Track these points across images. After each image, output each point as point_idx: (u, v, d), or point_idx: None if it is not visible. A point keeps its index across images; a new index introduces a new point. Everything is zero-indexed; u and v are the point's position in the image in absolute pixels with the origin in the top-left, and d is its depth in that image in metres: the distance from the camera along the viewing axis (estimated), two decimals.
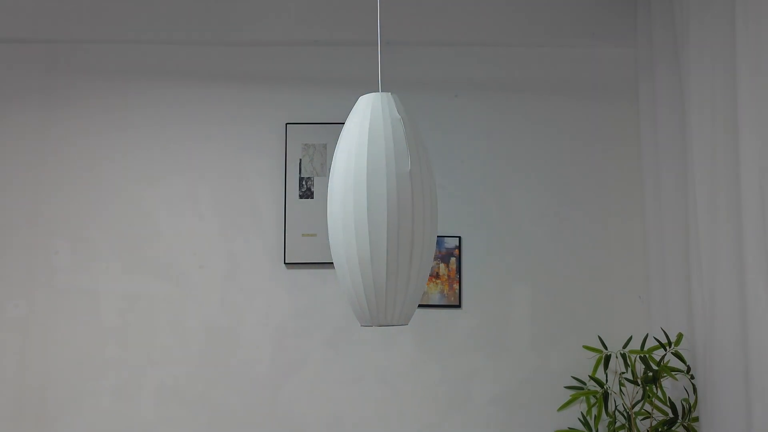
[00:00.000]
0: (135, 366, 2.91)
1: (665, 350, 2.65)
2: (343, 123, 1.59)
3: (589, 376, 2.79)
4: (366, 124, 1.47)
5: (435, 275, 2.96)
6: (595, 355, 2.79)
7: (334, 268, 1.54)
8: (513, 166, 3.04)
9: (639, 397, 2.70)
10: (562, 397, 2.88)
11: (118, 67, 3.05)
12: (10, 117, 3.01)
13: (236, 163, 3.01)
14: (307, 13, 3.07)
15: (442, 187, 2.98)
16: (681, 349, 2.66)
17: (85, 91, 3.03)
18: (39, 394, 2.88)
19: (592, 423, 2.74)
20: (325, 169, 2.97)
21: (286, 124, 3.01)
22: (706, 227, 2.50)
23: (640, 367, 2.71)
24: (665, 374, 2.61)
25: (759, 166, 2.19)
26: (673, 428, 2.62)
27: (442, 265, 2.96)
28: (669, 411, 2.66)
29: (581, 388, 2.83)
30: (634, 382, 2.68)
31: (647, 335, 2.75)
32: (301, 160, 2.99)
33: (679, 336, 2.66)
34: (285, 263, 2.95)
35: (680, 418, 2.63)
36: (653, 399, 2.62)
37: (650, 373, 2.62)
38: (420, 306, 2.94)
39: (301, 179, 2.98)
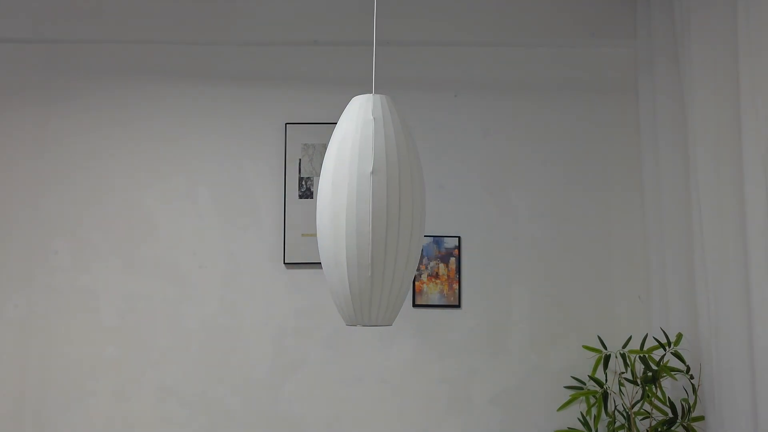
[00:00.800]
0: (134, 366, 2.91)
1: (665, 350, 2.65)
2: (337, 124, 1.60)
3: (589, 376, 2.79)
4: (351, 127, 1.48)
5: (434, 275, 2.96)
6: (595, 355, 2.79)
7: None
8: (512, 166, 3.04)
9: (638, 397, 2.70)
10: (561, 397, 2.88)
11: (118, 67, 3.05)
12: (10, 116, 3.01)
13: (236, 163, 3.02)
14: (307, 13, 3.07)
15: (442, 187, 2.99)
16: (680, 349, 2.66)
17: (85, 91, 3.04)
18: (39, 393, 2.89)
19: (591, 423, 2.74)
20: None
21: (286, 124, 3.01)
22: (708, 227, 2.49)
23: (639, 367, 2.71)
24: (665, 374, 2.61)
25: (762, 166, 2.19)
26: (672, 428, 2.62)
27: (441, 265, 2.96)
28: (668, 411, 2.66)
29: (581, 388, 2.83)
30: (633, 382, 2.68)
31: (647, 335, 2.75)
32: (300, 160, 2.99)
33: (679, 336, 2.66)
34: (284, 263, 2.95)
35: (680, 418, 2.63)
36: (653, 399, 2.62)
37: (650, 373, 2.62)
38: (420, 306, 2.95)
39: (300, 179, 2.98)
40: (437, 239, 2.96)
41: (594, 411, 2.73)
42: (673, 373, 2.61)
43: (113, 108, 3.03)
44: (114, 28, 3.05)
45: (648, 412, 2.69)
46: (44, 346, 2.91)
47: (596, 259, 2.99)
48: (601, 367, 2.75)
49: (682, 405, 2.65)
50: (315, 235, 2.91)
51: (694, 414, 2.63)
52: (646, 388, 2.62)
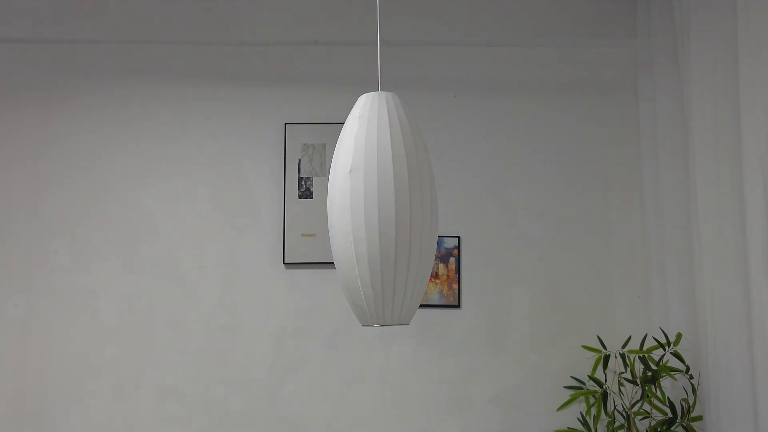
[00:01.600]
0: (134, 366, 2.91)
1: (664, 350, 2.65)
2: (343, 123, 1.59)
3: (589, 376, 2.79)
4: (365, 124, 1.47)
5: (434, 275, 2.96)
6: (595, 355, 2.79)
7: (333, 268, 1.54)
8: (512, 166, 3.04)
9: (638, 396, 2.70)
10: (561, 397, 2.88)
11: (118, 67, 3.05)
12: (10, 116, 3.01)
13: (236, 163, 3.02)
14: (307, 13, 3.07)
15: (442, 187, 2.99)
16: (680, 349, 2.66)
17: (85, 91, 3.04)
18: (38, 393, 2.89)
19: (591, 423, 2.74)
20: (324, 169, 2.98)
21: (286, 124, 3.01)
22: (707, 227, 2.50)
23: (639, 367, 2.71)
24: (664, 374, 2.61)
25: (761, 165, 2.19)
26: (672, 428, 2.62)
27: (441, 265, 2.96)
28: (668, 411, 2.66)
29: (580, 388, 2.83)
30: (633, 382, 2.68)
31: (646, 335, 2.75)
32: (300, 160, 2.99)
33: (678, 336, 2.67)
34: (284, 263, 2.95)
35: (679, 417, 2.63)
36: (652, 399, 2.62)
37: (649, 373, 2.62)
38: (419, 306, 2.94)
39: (300, 179, 2.98)
40: (437, 239, 2.96)
41: (593, 411, 2.73)
42: (672, 373, 2.61)
43: (113, 108, 3.03)
44: (114, 28, 3.05)
45: (647, 412, 2.69)
46: (44, 345, 2.91)
47: (596, 259, 3.00)
48: (600, 367, 2.75)
49: (681, 405, 2.66)
50: (315, 235, 2.94)
51: (693, 414, 2.63)
52: (646, 388, 2.62)
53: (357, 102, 1.53)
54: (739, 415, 2.34)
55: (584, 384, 2.84)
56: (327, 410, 2.91)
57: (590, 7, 3.09)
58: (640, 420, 2.72)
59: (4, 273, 2.94)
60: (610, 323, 2.94)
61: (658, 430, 2.63)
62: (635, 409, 2.71)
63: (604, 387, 2.74)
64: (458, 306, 2.96)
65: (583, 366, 2.87)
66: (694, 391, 2.62)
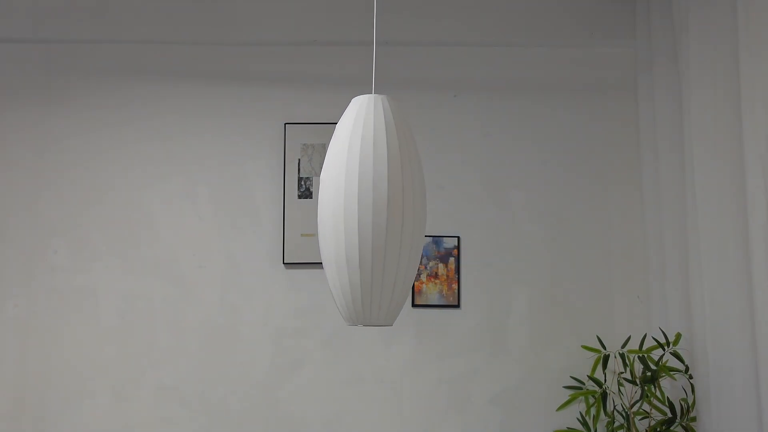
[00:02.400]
0: (134, 365, 2.91)
1: (664, 350, 2.66)
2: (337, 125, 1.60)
3: (588, 376, 2.79)
4: (354, 127, 1.48)
5: (434, 275, 2.96)
6: (594, 355, 2.79)
7: None
8: (512, 166, 3.04)
9: (637, 396, 2.70)
10: (560, 397, 2.88)
11: (118, 67, 3.06)
12: (10, 116, 3.02)
13: (235, 163, 3.02)
14: (306, 13, 3.07)
15: (441, 187, 2.99)
16: (679, 349, 2.66)
17: (84, 91, 3.04)
18: (38, 393, 2.89)
19: (590, 423, 2.75)
20: None
21: (285, 124, 3.01)
22: (706, 227, 2.50)
23: (638, 367, 2.71)
24: (664, 374, 2.61)
25: (760, 166, 2.19)
26: (671, 428, 2.62)
27: (440, 265, 2.96)
28: (667, 411, 2.66)
29: (580, 388, 2.83)
30: (632, 381, 2.68)
31: (646, 335, 2.75)
32: (299, 160, 2.99)
33: (678, 336, 2.67)
34: (284, 263, 2.96)
35: (679, 417, 2.63)
36: (652, 399, 2.63)
37: (649, 373, 2.62)
38: (419, 306, 2.95)
39: (299, 179, 2.98)
40: (436, 239, 2.97)
41: (593, 411, 2.73)
42: (672, 373, 2.61)
43: (113, 108, 3.03)
44: (114, 28, 3.05)
45: (647, 412, 2.70)
46: (44, 345, 2.91)
47: (595, 259, 3.00)
48: (600, 367, 2.75)
49: (681, 405, 2.66)
50: (314, 235, 2.94)
51: (692, 414, 2.63)
52: (645, 388, 2.62)
53: (349, 105, 1.54)
54: (736, 415, 2.33)
55: (584, 384, 2.84)
56: (326, 410, 2.91)
57: (590, 7, 3.09)
58: (640, 420, 2.72)
59: (4, 272, 2.94)
60: (609, 323, 2.95)
61: (658, 430, 2.63)
62: (635, 409, 2.71)
63: (603, 387, 2.74)
64: (458, 306, 2.96)
65: (583, 366, 2.87)
66: (693, 391, 2.62)
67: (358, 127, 1.48)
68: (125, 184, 3.00)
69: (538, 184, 3.03)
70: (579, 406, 2.84)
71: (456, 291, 2.96)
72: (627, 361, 2.71)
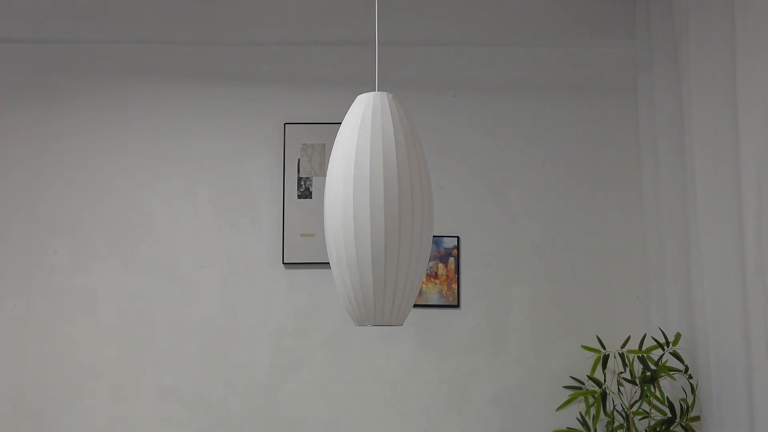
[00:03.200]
0: (134, 366, 2.91)
1: (663, 350, 2.66)
2: (341, 123, 1.59)
3: (588, 375, 2.79)
4: (361, 124, 1.47)
5: (434, 275, 2.96)
6: (594, 355, 2.79)
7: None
8: (511, 166, 3.04)
9: (637, 396, 2.70)
10: (560, 397, 2.88)
11: (118, 67, 3.06)
12: (9, 116, 3.02)
13: (235, 163, 3.02)
14: (306, 13, 3.07)
15: (441, 187, 2.99)
16: (679, 349, 2.66)
17: (84, 91, 3.04)
18: (38, 393, 2.89)
19: (590, 423, 2.75)
20: (323, 169, 2.98)
21: (285, 123, 3.01)
22: (705, 227, 2.50)
23: (638, 367, 2.71)
24: (663, 374, 2.61)
25: (758, 166, 2.19)
26: (671, 428, 2.62)
27: (440, 265, 2.97)
28: (667, 411, 2.66)
29: (580, 388, 2.83)
30: (632, 381, 2.68)
31: (645, 335, 2.75)
32: (299, 160, 2.99)
33: (677, 336, 2.67)
34: (283, 263, 2.96)
35: (678, 417, 2.63)
36: (651, 399, 2.63)
37: (648, 373, 2.62)
38: (418, 306, 2.95)
39: (299, 179, 2.98)
40: (436, 239, 2.97)
41: (593, 411, 2.73)
42: (671, 372, 2.61)
43: (113, 108, 3.03)
44: (114, 28, 3.05)
45: (647, 412, 2.70)
46: (43, 345, 2.91)
47: (595, 259, 3.00)
48: (599, 367, 2.75)
49: (680, 405, 2.66)
50: (314, 235, 2.94)
51: (692, 414, 2.63)
52: (645, 388, 2.62)
53: (354, 102, 1.53)
54: (736, 415, 2.34)
55: (583, 384, 2.84)
56: (326, 410, 2.91)
57: (590, 8, 3.09)
58: (639, 420, 2.72)
59: (4, 272, 2.94)
60: (609, 323, 2.95)
61: (657, 430, 2.63)
62: (634, 409, 2.71)
63: (603, 387, 2.74)
64: (458, 306, 2.96)
65: (583, 366, 2.87)
66: (693, 391, 2.62)
67: (365, 124, 1.46)
68: (125, 184, 3.00)
69: (537, 184, 3.03)
70: (579, 406, 2.84)
71: (456, 291, 2.96)
72: (627, 361, 2.72)
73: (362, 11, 2.98)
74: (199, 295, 2.95)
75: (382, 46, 2.94)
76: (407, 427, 2.91)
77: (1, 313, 2.92)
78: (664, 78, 2.84)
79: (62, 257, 2.95)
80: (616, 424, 2.73)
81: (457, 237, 2.98)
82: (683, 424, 2.63)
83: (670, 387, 2.75)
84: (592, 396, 2.74)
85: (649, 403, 2.64)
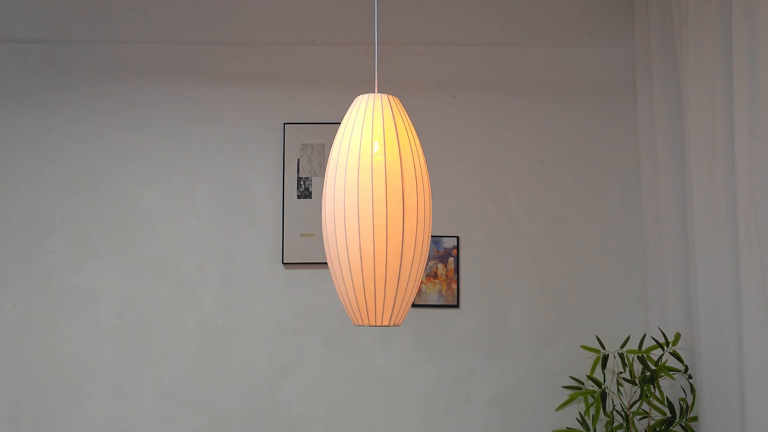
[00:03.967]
0: (133, 366, 2.91)
1: (663, 350, 2.66)
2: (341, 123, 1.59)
3: (587, 375, 2.79)
4: (360, 125, 1.47)
5: (433, 275, 2.96)
6: (593, 355, 2.79)
7: None
8: (511, 166, 3.04)
9: (637, 396, 2.70)
10: (560, 397, 2.88)
11: (115, 67, 3.05)
12: (8, 117, 3.01)
13: (234, 163, 3.02)
14: (306, 13, 3.07)
15: (440, 187, 2.99)
16: (678, 348, 2.66)
17: (83, 91, 3.04)
18: (37, 394, 2.88)
19: (590, 423, 2.74)
20: (323, 169, 2.98)
21: (284, 123, 3.01)
22: (703, 227, 2.50)
23: (637, 367, 2.71)
24: (663, 374, 2.61)
25: (756, 166, 2.19)
26: (670, 428, 2.62)
27: (440, 265, 2.96)
28: (667, 411, 2.66)
29: (579, 388, 2.83)
30: (631, 381, 2.68)
31: (645, 335, 2.75)
32: (299, 160, 2.99)
33: (677, 336, 2.67)
34: (283, 263, 2.95)
35: (678, 417, 2.63)
36: (651, 399, 2.63)
37: (648, 373, 2.62)
38: (418, 306, 2.95)
39: (299, 179, 2.98)
40: (436, 239, 2.97)
41: (592, 411, 2.73)
42: (671, 372, 2.61)
43: (111, 108, 3.03)
44: (113, 28, 3.05)
45: (646, 412, 2.70)
46: (42, 345, 2.91)
47: (594, 259, 3.00)
48: (599, 367, 2.75)
49: (680, 405, 2.66)
50: (314, 235, 2.94)
51: (692, 414, 2.63)
52: (644, 387, 2.62)
53: (353, 103, 1.53)
54: (731, 415, 2.34)
55: (583, 384, 2.84)
56: (325, 410, 2.91)
57: (589, 8, 3.09)
58: (639, 420, 2.72)
59: (3, 273, 2.94)
60: (608, 323, 2.95)
61: (657, 429, 2.63)
62: (634, 408, 2.71)
63: (602, 387, 2.74)
64: (457, 306, 2.96)
65: (582, 366, 2.87)
66: (692, 390, 2.62)
67: (364, 125, 1.47)
68: (124, 184, 2.99)
69: (537, 184, 3.03)
70: (578, 406, 2.84)
71: (455, 291, 2.96)
72: (626, 361, 2.72)
73: (362, 11, 2.98)
74: (198, 295, 2.95)
75: (382, 46, 2.95)
76: (407, 426, 2.91)
77: (1, 312, 2.92)
78: (663, 78, 2.84)
79: (61, 257, 2.95)
80: (616, 424, 2.73)
81: (457, 237, 2.98)
82: (683, 424, 2.63)
83: (669, 387, 2.75)
84: (592, 396, 2.74)
85: (649, 403, 2.64)
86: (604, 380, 2.76)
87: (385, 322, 1.47)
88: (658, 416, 2.69)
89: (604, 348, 2.81)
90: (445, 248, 2.97)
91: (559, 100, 3.08)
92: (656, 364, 2.62)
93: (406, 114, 1.53)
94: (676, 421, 2.63)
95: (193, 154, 3.02)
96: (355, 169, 1.44)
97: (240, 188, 3.00)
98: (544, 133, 3.06)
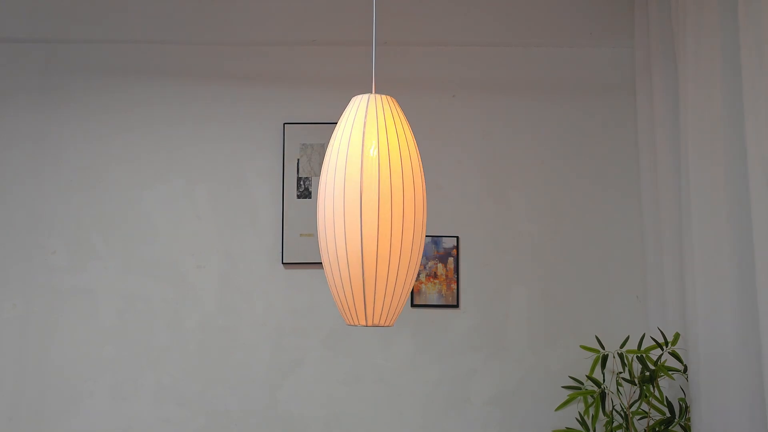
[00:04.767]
0: (133, 366, 2.91)
1: (662, 350, 2.66)
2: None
3: (587, 375, 2.79)
4: (354, 126, 1.48)
5: (433, 275, 2.96)
6: (593, 355, 2.80)
7: None
8: (510, 166, 3.05)
9: (636, 396, 2.70)
10: (559, 397, 2.88)
11: (115, 67, 3.06)
12: (8, 117, 3.02)
13: (234, 163, 3.02)
14: (305, 13, 3.07)
15: (440, 187, 2.99)
16: (678, 348, 2.66)
17: (83, 91, 3.04)
18: (37, 394, 2.89)
19: (589, 423, 2.75)
20: None
21: (284, 123, 3.01)
22: (703, 226, 2.50)
23: (637, 367, 2.71)
24: (662, 374, 2.61)
25: (756, 166, 2.19)
26: (670, 428, 2.63)
27: (440, 265, 2.97)
28: (666, 410, 2.67)
29: (579, 388, 2.83)
30: (631, 381, 2.68)
31: (644, 335, 2.76)
32: (298, 159, 2.99)
33: (676, 336, 2.67)
34: (283, 263, 2.96)
35: (677, 417, 2.63)
36: (650, 398, 2.63)
37: (647, 373, 2.62)
38: (418, 306, 2.95)
39: (298, 179, 2.98)
40: (435, 239, 2.97)
41: (592, 411, 2.73)
42: (670, 372, 2.61)
43: (111, 108, 3.03)
44: (114, 28, 3.06)
45: (645, 412, 2.70)
46: (42, 346, 2.91)
47: (594, 259, 3.00)
48: (598, 367, 2.76)
49: (679, 404, 2.66)
50: (313, 235, 2.94)
51: (691, 414, 2.63)
52: (644, 387, 2.62)
53: (349, 104, 1.54)
54: (726, 414, 2.34)
55: (582, 384, 2.85)
56: (325, 410, 2.91)
57: (588, 8, 3.09)
58: (638, 420, 2.72)
59: (3, 273, 2.94)
60: (608, 323, 2.95)
61: (656, 429, 2.63)
62: (633, 408, 2.71)
63: (602, 387, 2.74)
64: (457, 306, 2.96)
65: (582, 366, 2.87)
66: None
67: (358, 126, 1.48)
68: (124, 183, 3.00)
69: (536, 183, 3.04)
70: (578, 406, 2.85)
71: (455, 291, 2.96)
72: (625, 360, 2.72)
73: (361, 11, 2.98)
74: (198, 295, 2.95)
75: (381, 46, 2.95)
76: (406, 427, 2.91)
77: (1, 313, 2.92)
78: (662, 78, 2.84)
79: (61, 257, 2.95)
80: (615, 423, 2.73)
81: (456, 237, 2.98)
82: (682, 423, 2.63)
83: (668, 387, 2.75)
84: (591, 396, 2.74)
85: (648, 402, 2.64)
86: (604, 380, 2.76)
87: (377, 323, 1.48)
88: (657, 416, 2.69)
89: (603, 348, 2.81)
90: (444, 248, 2.98)
91: (559, 100, 3.08)
92: (655, 364, 2.62)
93: (403, 114, 1.53)
94: (676, 420, 2.63)
95: (193, 154, 3.02)
96: (349, 169, 1.45)
97: (240, 188, 3.01)
98: (543, 133, 3.06)
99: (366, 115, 1.49)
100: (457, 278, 2.97)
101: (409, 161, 1.49)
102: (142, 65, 3.06)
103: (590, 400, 2.74)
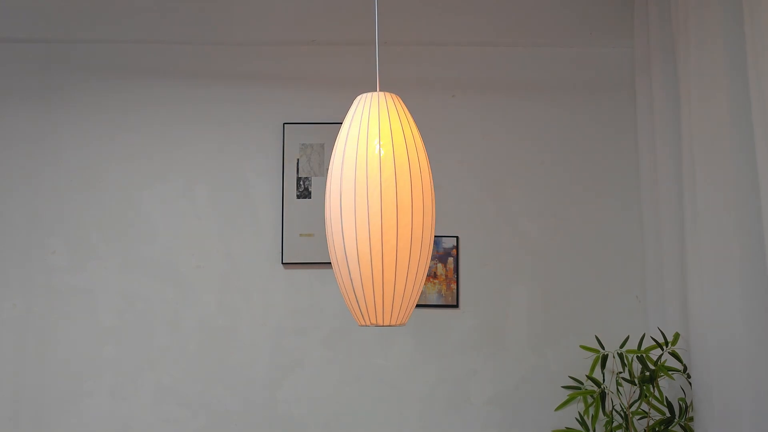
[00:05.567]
0: (132, 366, 2.91)
1: (662, 350, 2.66)
2: (341, 123, 1.59)
3: (587, 375, 2.79)
4: (362, 124, 1.47)
5: (432, 275, 2.96)
6: (593, 355, 2.80)
7: (332, 267, 1.54)
8: (510, 166, 3.05)
9: (636, 396, 2.70)
10: (559, 397, 2.88)
11: (115, 67, 3.05)
12: (7, 116, 3.01)
13: (234, 163, 3.02)
14: (305, 13, 3.07)
15: (440, 187, 2.99)
16: (678, 348, 2.66)
17: (83, 91, 3.04)
18: (36, 394, 2.89)
19: (589, 423, 2.75)
20: (322, 169, 2.98)
21: (284, 123, 3.01)
22: (703, 226, 2.50)
23: (637, 367, 2.71)
24: (662, 374, 2.61)
25: (756, 166, 2.19)
26: (670, 428, 2.63)
27: (439, 265, 2.97)
28: (666, 410, 2.67)
29: (578, 388, 2.83)
30: (631, 381, 2.68)
31: (644, 335, 2.76)
32: (298, 159, 2.99)
33: (676, 336, 2.67)
34: (282, 263, 2.96)
35: (677, 417, 2.63)
36: (650, 398, 2.63)
37: (647, 373, 2.62)
38: (417, 306, 2.95)
39: (298, 179, 2.98)
40: (435, 239, 2.97)
41: (591, 411, 2.73)
42: (670, 372, 2.61)
43: (111, 107, 3.03)
44: (114, 28, 3.05)
45: (645, 412, 2.70)
46: (42, 345, 2.91)
47: (594, 259, 3.00)
48: (598, 367, 2.76)
49: (679, 404, 2.66)
50: (313, 235, 2.94)
51: (691, 413, 2.63)
52: (644, 387, 2.62)
53: (354, 102, 1.53)
54: (726, 414, 2.34)
55: (582, 384, 2.85)
56: (325, 410, 2.91)
57: (588, 8, 3.10)
58: (638, 420, 2.72)
59: (2, 273, 2.94)
60: (608, 323, 2.95)
61: (656, 429, 2.63)
62: (633, 408, 2.71)
63: (602, 387, 2.74)
64: (456, 306, 2.96)
65: (581, 366, 2.87)
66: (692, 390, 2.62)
67: (366, 124, 1.47)
68: (123, 183, 3.00)
69: (536, 184, 3.04)
70: (577, 406, 2.85)
71: (455, 291, 2.96)
72: (625, 360, 2.72)
73: (362, 11, 2.99)
74: (197, 295, 2.95)
75: (381, 45, 2.95)
76: (406, 427, 2.91)
77: (1, 313, 2.92)
78: (662, 78, 2.84)
79: (61, 257, 2.95)
80: (615, 423, 2.73)
81: (456, 237, 2.98)
82: (682, 423, 2.63)
83: (668, 387, 2.75)
84: (591, 396, 2.74)
85: (648, 402, 2.64)
86: (604, 380, 2.76)
87: (391, 322, 1.47)
88: (657, 416, 2.69)
89: (603, 348, 2.81)
90: (444, 248, 2.98)
91: (558, 100, 3.08)
92: (655, 364, 2.62)
93: (408, 112, 1.53)
94: (676, 420, 2.63)
95: (192, 154, 3.02)
96: (359, 167, 1.44)
97: (240, 188, 3.01)
98: (543, 133, 3.06)
99: (373, 112, 1.48)
100: (457, 278, 2.97)
101: (416, 157, 1.49)
102: (142, 65, 3.06)
103: (590, 400, 2.74)
